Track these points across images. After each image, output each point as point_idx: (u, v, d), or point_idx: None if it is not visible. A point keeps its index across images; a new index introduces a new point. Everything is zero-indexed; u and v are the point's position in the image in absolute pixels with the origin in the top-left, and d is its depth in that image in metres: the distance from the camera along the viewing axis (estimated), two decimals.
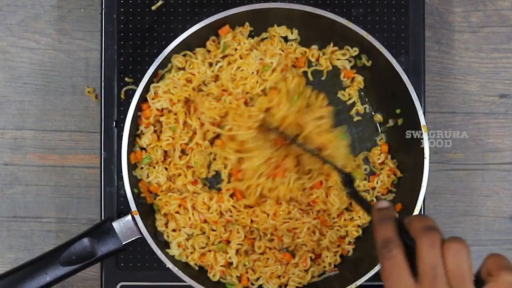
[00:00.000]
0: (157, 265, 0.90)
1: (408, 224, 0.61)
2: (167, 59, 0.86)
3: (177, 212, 0.88)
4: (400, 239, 0.60)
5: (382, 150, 0.91)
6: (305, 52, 0.91)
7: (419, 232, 0.59)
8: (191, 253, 0.88)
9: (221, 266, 0.87)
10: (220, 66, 0.88)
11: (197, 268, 0.88)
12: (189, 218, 0.88)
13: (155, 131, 0.88)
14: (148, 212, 0.87)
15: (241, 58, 0.88)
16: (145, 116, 0.87)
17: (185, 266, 0.87)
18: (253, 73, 0.87)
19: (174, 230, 0.88)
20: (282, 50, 0.89)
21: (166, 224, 0.88)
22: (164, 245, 0.88)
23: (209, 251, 0.88)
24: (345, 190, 0.84)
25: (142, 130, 0.88)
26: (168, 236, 0.88)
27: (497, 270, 0.56)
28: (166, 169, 0.88)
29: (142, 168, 0.88)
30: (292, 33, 0.91)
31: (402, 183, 0.90)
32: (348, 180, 0.82)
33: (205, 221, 0.88)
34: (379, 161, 0.90)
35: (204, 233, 0.89)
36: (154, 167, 0.88)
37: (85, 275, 0.96)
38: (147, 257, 0.91)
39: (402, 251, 0.59)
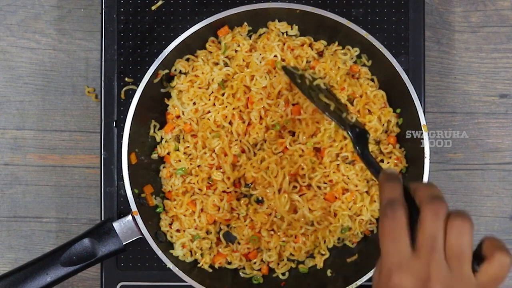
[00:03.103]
0: (157, 265, 0.90)
1: (414, 191, 0.58)
2: (167, 59, 0.86)
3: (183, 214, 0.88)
4: (405, 202, 0.57)
5: (390, 142, 0.90)
6: (305, 42, 0.90)
7: (425, 201, 0.56)
8: (201, 255, 0.88)
9: (239, 261, 0.89)
10: (227, 69, 0.88)
11: (211, 270, 0.88)
12: (194, 220, 0.88)
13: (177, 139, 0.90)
14: (149, 212, 0.87)
15: (247, 67, 0.89)
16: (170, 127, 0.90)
17: (186, 266, 0.87)
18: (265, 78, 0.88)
19: (178, 231, 0.88)
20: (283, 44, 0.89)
21: (170, 225, 0.88)
22: (167, 245, 0.88)
23: (218, 252, 0.89)
24: (356, 150, 0.78)
25: (162, 136, 0.90)
26: (172, 237, 0.88)
27: (492, 250, 0.55)
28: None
29: (173, 176, 0.89)
30: (292, 29, 0.91)
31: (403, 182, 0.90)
32: (360, 137, 0.78)
33: (214, 222, 0.88)
34: (386, 151, 0.90)
35: (207, 233, 0.89)
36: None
37: (85, 275, 0.96)
38: (147, 257, 0.91)
39: (406, 214, 0.56)
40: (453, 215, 0.55)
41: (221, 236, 0.89)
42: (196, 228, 0.88)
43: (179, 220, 0.88)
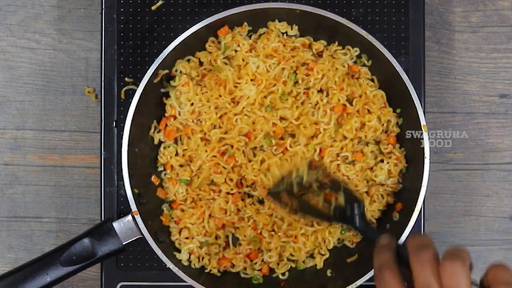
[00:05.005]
0: (157, 265, 0.90)
1: (406, 246, 0.61)
2: (167, 59, 0.86)
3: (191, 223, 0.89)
4: (396, 264, 0.60)
5: (390, 142, 0.90)
6: (305, 42, 0.90)
7: (411, 252, 0.59)
8: (209, 260, 0.88)
9: (243, 263, 0.89)
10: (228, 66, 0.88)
11: (219, 274, 0.89)
12: (203, 226, 0.88)
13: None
14: (149, 212, 0.87)
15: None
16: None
17: (194, 272, 0.88)
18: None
19: (187, 238, 0.88)
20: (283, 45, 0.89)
21: (179, 232, 0.89)
22: (168, 245, 0.88)
23: (224, 256, 0.89)
24: (357, 230, 0.80)
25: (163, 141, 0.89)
26: (180, 244, 0.88)
27: (495, 285, 0.56)
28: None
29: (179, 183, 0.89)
30: (292, 29, 0.91)
31: (403, 182, 0.90)
32: (356, 210, 0.80)
33: (223, 227, 0.88)
34: (386, 151, 0.90)
35: (216, 238, 0.89)
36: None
37: (85, 275, 0.97)
38: (147, 257, 0.91)
39: (396, 274, 0.59)
40: (444, 258, 0.57)
41: (230, 240, 0.89)
42: (205, 235, 0.88)
43: (188, 229, 0.88)
